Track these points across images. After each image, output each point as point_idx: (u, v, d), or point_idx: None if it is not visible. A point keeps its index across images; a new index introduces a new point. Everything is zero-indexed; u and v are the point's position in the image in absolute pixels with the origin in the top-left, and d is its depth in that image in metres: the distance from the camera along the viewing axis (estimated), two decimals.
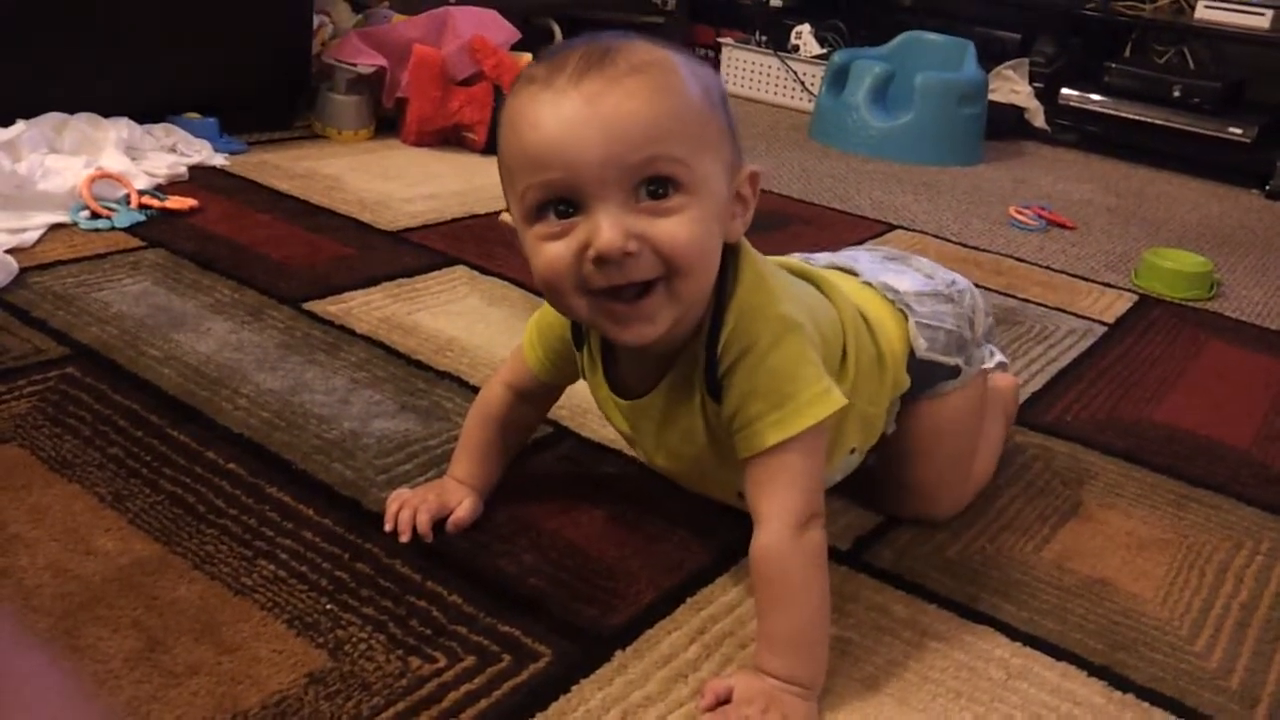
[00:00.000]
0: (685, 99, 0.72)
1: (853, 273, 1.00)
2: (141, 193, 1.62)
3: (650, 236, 0.71)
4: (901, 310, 0.96)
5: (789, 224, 1.91)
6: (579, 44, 0.73)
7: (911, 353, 0.94)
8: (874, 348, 0.91)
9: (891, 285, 0.97)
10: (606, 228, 0.70)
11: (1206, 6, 2.70)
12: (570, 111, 0.70)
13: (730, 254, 0.79)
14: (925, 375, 0.96)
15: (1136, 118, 2.71)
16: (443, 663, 0.78)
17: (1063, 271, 1.82)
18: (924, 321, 0.95)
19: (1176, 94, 2.66)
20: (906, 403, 0.96)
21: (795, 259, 0.98)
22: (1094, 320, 1.60)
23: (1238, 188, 2.59)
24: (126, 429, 1.04)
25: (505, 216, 0.79)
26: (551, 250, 0.73)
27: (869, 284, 0.98)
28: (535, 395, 0.97)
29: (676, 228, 0.71)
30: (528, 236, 0.75)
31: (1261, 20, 2.63)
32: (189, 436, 1.04)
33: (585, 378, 0.92)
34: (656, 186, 0.71)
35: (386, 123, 2.19)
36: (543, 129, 0.71)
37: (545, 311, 0.92)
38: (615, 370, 0.88)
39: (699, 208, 0.72)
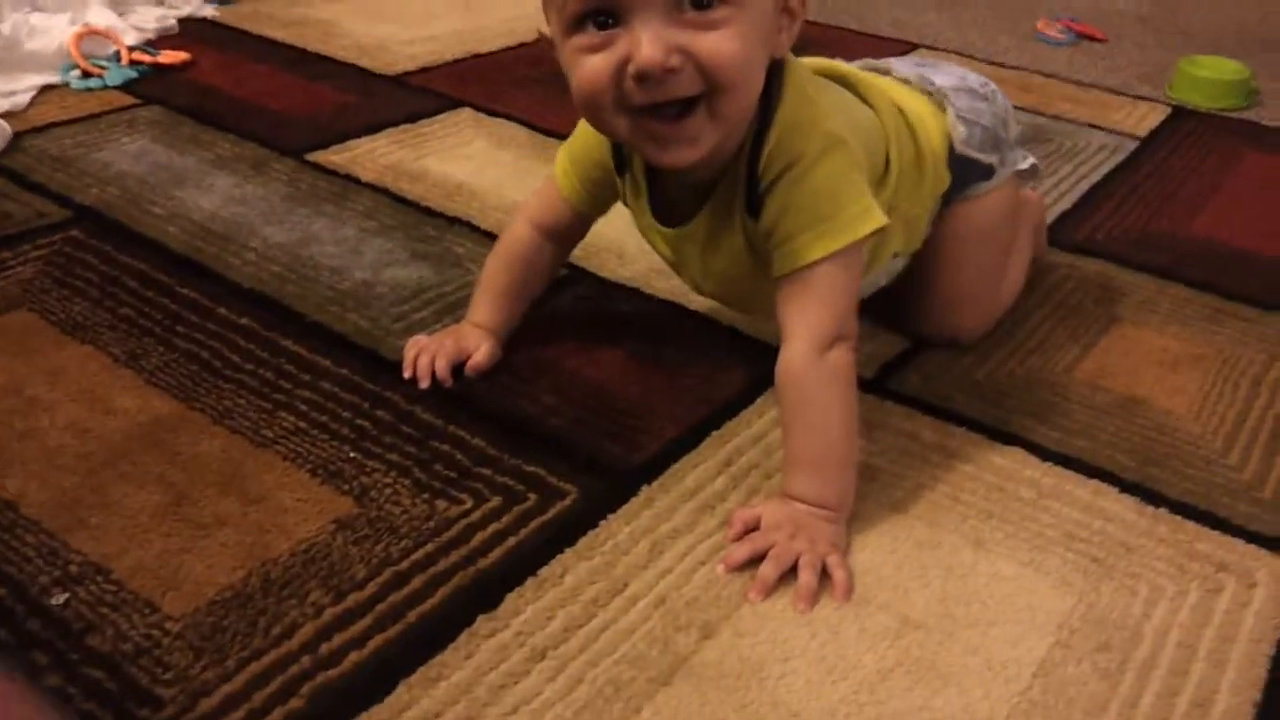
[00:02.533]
0: None
1: (887, 72, 0.96)
2: (132, 48, 1.57)
3: (694, 51, 0.67)
4: (939, 103, 0.92)
5: (807, 48, 1.82)
6: None
7: (950, 149, 0.91)
8: (914, 147, 0.88)
9: (929, 78, 0.94)
10: (648, 42, 0.66)
11: None
12: None
13: (775, 69, 0.75)
14: (962, 173, 0.93)
15: None
16: (469, 504, 0.78)
17: (1093, 85, 1.74)
18: (962, 115, 0.92)
19: None
20: (943, 205, 0.94)
21: (831, 61, 0.93)
22: (1125, 135, 1.54)
23: None
24: (136, 289, 1.02)
25: (542, 27, 0.75)
26: (590, 64, 0.69)
27: (906, 79, 0.94)
28: (564, 232, 0.94)
29: (721, 42, 0.67)
30: (565, 49, 0.71)
31: None
32: (199, 293, 1.02)
33: (627, 205, 0.88)
34: None
35: None
36: None
37: (579, 137, 0.88)
38: (659, 195, 0.84)
39: (745, 20, 0.68)
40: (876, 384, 0.94)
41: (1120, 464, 0.86)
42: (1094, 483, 0.84)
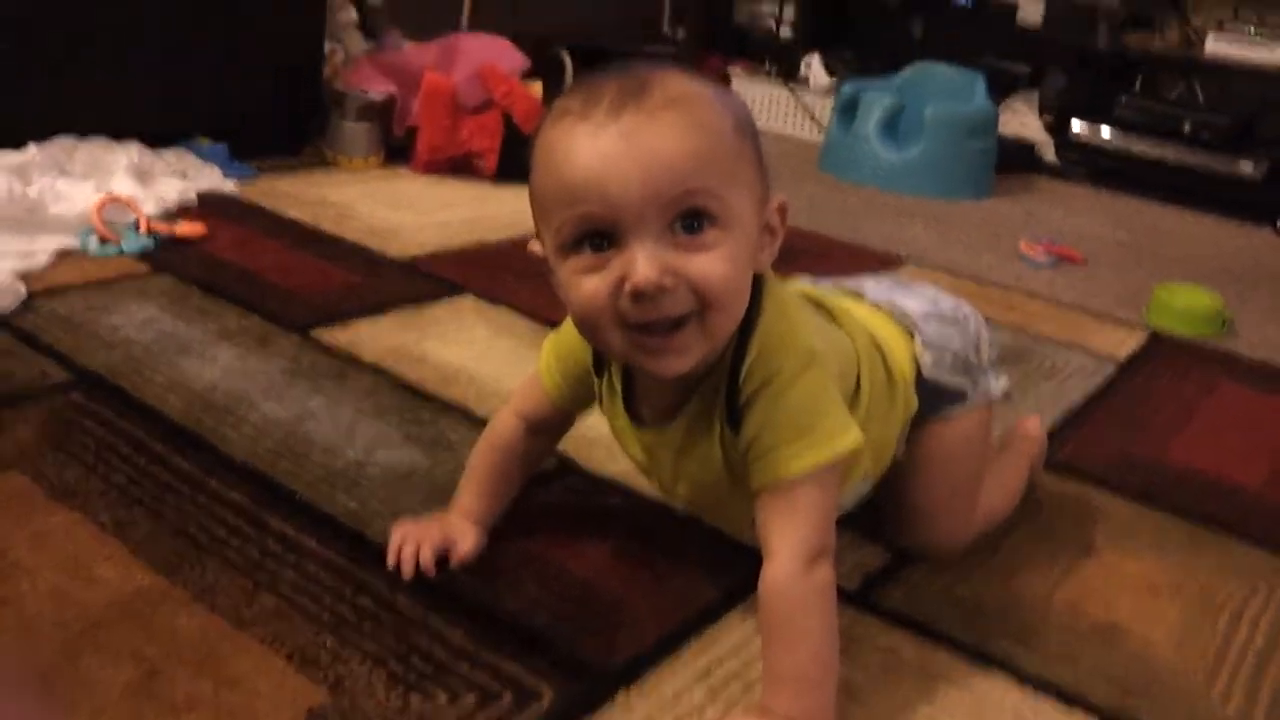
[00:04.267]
0: (719, 133, 0.72)
1: (859, 295, 1.00)
2: (151, 218, 1.62)
3: (685, 272, 0.71)
4: (909, 330, 0.96)
5: (798, 257, 1.90)
6: (613, 76, 0.73)
7: (919, 374, 0.94)
8: (884, 370, 0.91)
9: (899, 305, 0.98)
10: (643, 263, 0.70)
11: (1216, 40, 2.71)
12: (607, 146, 0.70)
13: (756, 284, 0.79)
14: (932, 397, 0.95)
15: (1146, 153, 2.71)
16: (443, 700, 0.77)
17: (1073, 307, 1.81)
18: (930, 342, 0.95)
19: (1186, 129, 2.66)
20: (913, 426, 0.96)
21: (803, 282, 0.97)
22: (1104, 357, 1.59)
23: (1249, 224, 2.58)
24: (130, 456, 1.03)
25: (534, 246, 0.79)
26: (588, 284, 0.73)
27: (876, 304, 0.98)
28: (548, 425, 0.96)
29: (711, 263, 0.71)
30: (562, 269, 0.75)
31: (1272, 55, 2.63)
32: (193, 464, 1.03)
33: (602, 406, 0.91)
34: (691, 220, 0.71)
35: (397, 150, 2.20)
36: (580, 163, 0.71)
37: (562, 336, 0.91)
38: (634, 399, 0.87)
39: (732, 242, 0.72)
40: (859, 596, 0.95)
41: (1101, 694, 0.86)
42: (1074, 712, 0.83)
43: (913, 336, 0.96)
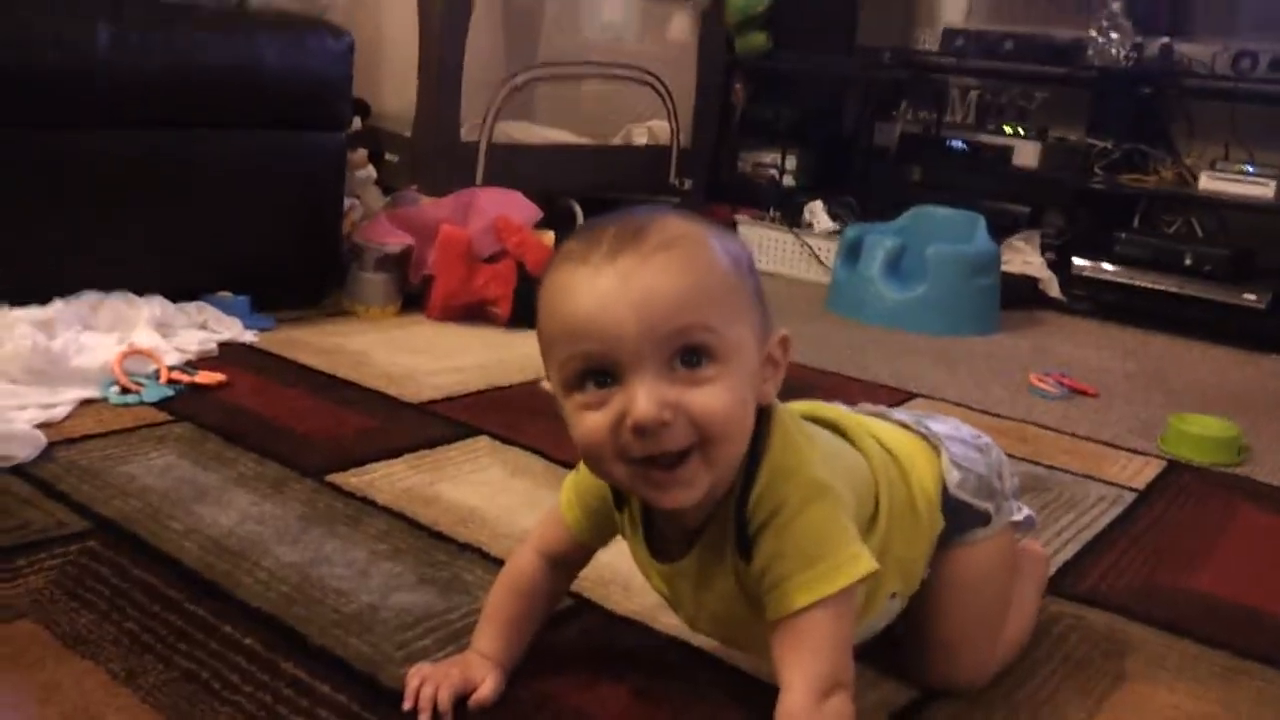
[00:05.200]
0: (715, 271, 0.75)
1: (883, 415, 1.01)
2: (171, 368, 1.65)
3: (685, 406, 0.73)
4: (934, 446, 0.96)
5: (810, 393, 1.90)
6: (613, 221, 0.77)
7: (945, 491, 0.94)
8: (906, 491, 0.91)
9: (925, 424, 0.98)
10: (642, 398, 0.72)
11: (1210, 177, 2.77)
12: (605, 287, 0.73)
13: (762, 416, 0.80)
14: (956, 519, 0.95)
15: (1150, 286, 2.75)
16: None
17: (1088, 438, 1.81)
18: (956, 460, 0.96)
19: (1187, 262, 2.70)
20: (937, 550, 0.95)
21: (824, 405, 0.98)
22: (1123, 487, 1.58)
23: (1257, 353, 2.59)
24: (143, 603, 1.03)
25: (545, 384, 0.81)
26: (591, 420, 0.75)
27: (903, 422, 0.99)
28: (568, 560, 0.96)
29: (710, 397, 0.73)
30: (567, 405, 0.77)
31: (1266, 190, 2.69)
32: (206, 610, 1.03)
33: (625, 538, 0.91)
34: (690, 356, 0.73)
35: (413, 298, 2.24)
36: (580, 304, 0.74)
37: (583, 472, 0.91)
38: (654, 532, 0.87)
39: (732, 376, 0.74)
40: None
41: None
42: None
43: (939, 454, 0.96)
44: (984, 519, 0.96)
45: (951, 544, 0.96)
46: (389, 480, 1.37)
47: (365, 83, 2.37)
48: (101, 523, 1.19)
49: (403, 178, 2.56)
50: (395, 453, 1.46)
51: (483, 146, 2.65)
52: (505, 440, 1.54)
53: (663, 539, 0.87)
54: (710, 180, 3.37)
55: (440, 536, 1.23)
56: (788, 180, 3.36)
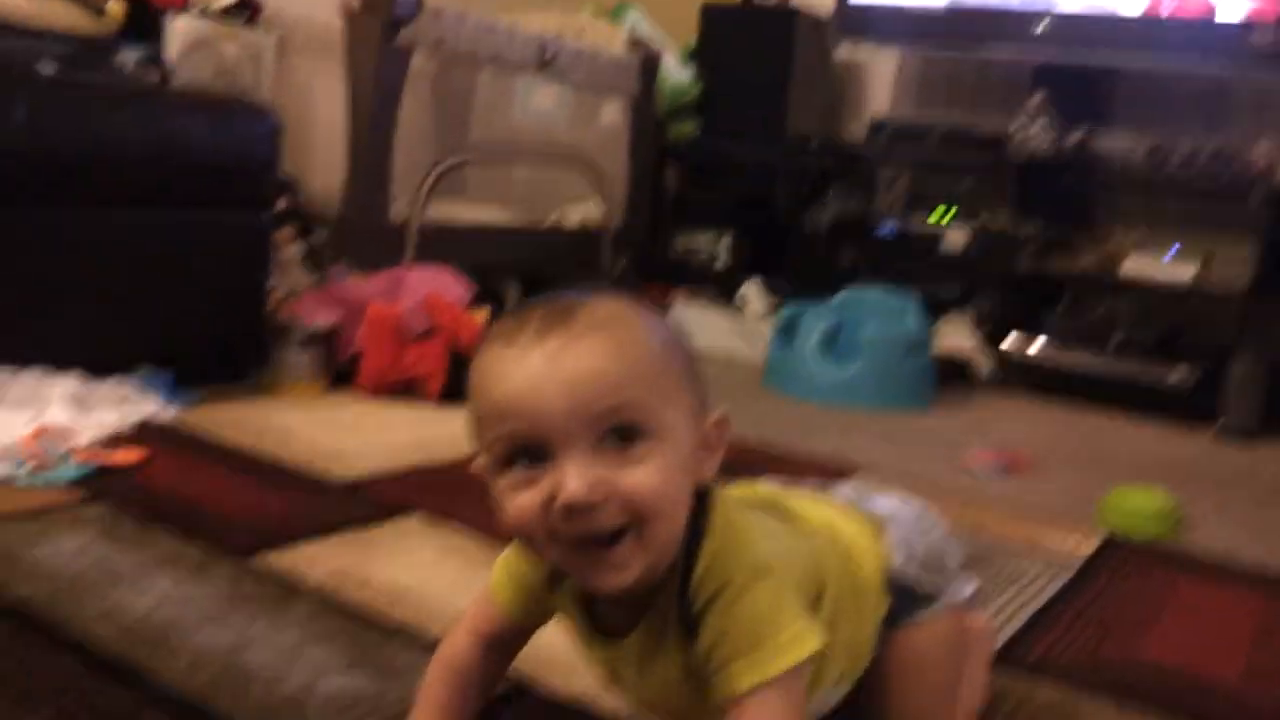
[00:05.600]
0: (644, 351, 0.75)
1: (824, 495, 0.99)
2: (86, 446, 1.58)
3: (616, 486, 0.71)
4: (876, 527, 0.94)
5: (752, 468, 1.89)
6: (541, 303, 0.76)
7: (889, 573, 0.92)
8: (851, 572, 0.89)
9: (867, 504, 0.97)
10: (572, 478, 0.71)
11: (1133, 262, 2.85)
12: (533, 367, 0.72)
13: (702, 497, 0.79)
14: (902, 599, 0.93)
15: (1079, 365, 2.80)
16: None
17: (1027, 514, 1.81)
18: (899, 540, 0.94)
19: (1115, 343, 2.76)
20: (884, 632, 0.93)
21: (766, 486, 0.96)
22: (1063, 560, 1.57)
23: (1189, 428, 2.64)
24: (57, 693, 0.96)
25: (476, 465, 0.79)
26: (521, 500, 0.73)
27: (846, 501, 0.96)
28: (502, 642, 0.92)
29: (642, 476, 0.72)
30: (498, 485, 0.75)
31: (1186, 274, 2.77)
32: (125, 698, 0.96)
33: (564, 617, 0.87)
34: (621, 434, 0.72)
35: (341, 375, 2.19)
36: (507, 385, 0.73)
37: (515, 552, 0.88)
38: (594, 610, 0.84)
39: (664, 454, 0.73)
40: None
41: None
42: None
43: (881, 535, 0.94)
44: (929, 599, 0.94)
45: (898, 625, 0.93)
46: (317, 560, 1.32)
47: (293, 159, 2.35)
48: (9, 609, 1.11)
49: (331, 256, 2.52)
50: (323, 532, 1.40)
51: (413, 226, 2.63)
52: (437, 520, 1.50)
53: (602, 619, 0.84)
54: (644, 261, 3.38)
55: (371, 619, 1.17)
56: (722, 262, 3.39)
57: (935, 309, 2.93)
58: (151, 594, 1.18)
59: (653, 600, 0.79)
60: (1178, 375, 2.67)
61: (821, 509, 0.95)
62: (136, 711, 0.94)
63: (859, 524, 0.95)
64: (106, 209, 1.91)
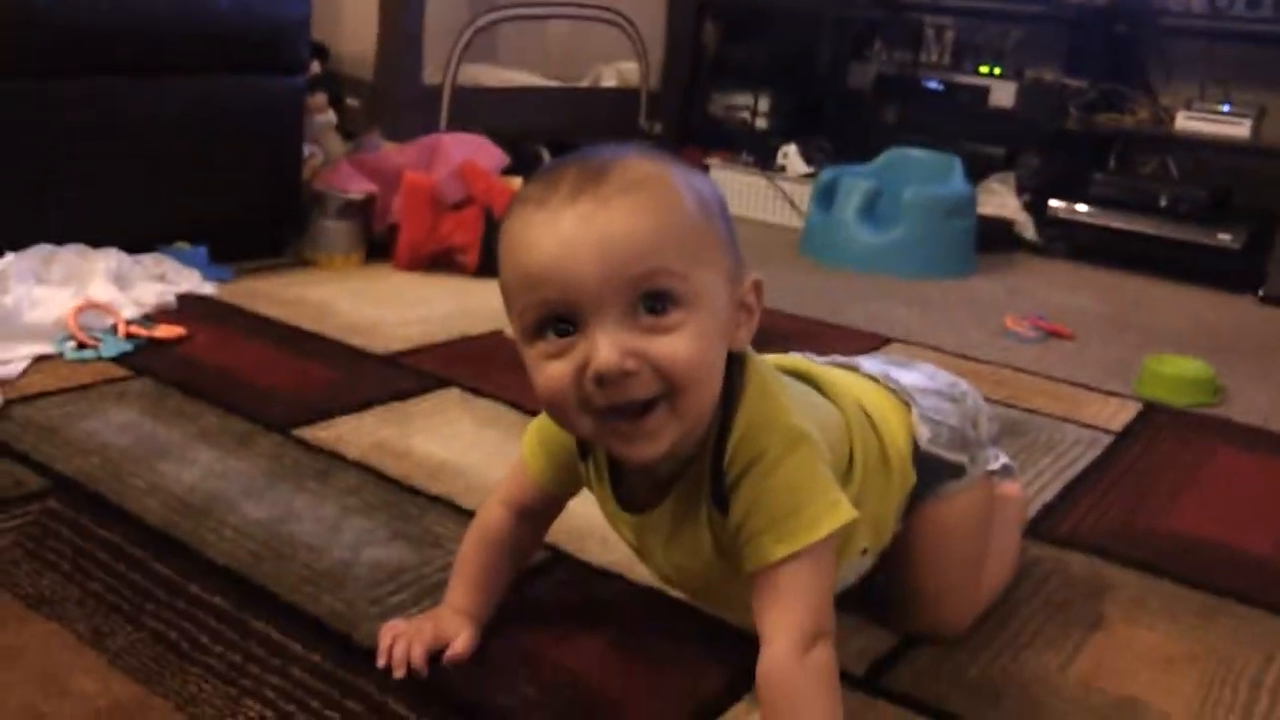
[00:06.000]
0: (680, 213, 0.72)
1: (854, 369, 0.98)
2: (129, 322, 1.61)
3: (649, 354, 0.70)
4: (905, 402, 0.94)
5: (784, 340, 1.89)
6: (574, 161, 0.73)
7: (915, 446, 0.92)
8: (878, 444, 0.89)
9: (894, 378, 0.96)
10: (604, 347, 0.69)
11: (1186, 117, 2.75)
12: (565, 232, 0.69)
13: (735, 363, 0.77)
14: (930, 473, 0.93)
15: (1125, 227, 2.73)
16: None
17: (1064, 381, 1.80)
18: (927, 415, 0.93)
19: (1163, 203, 2.69)
20: (912, 503, 0.93)
21: (796, 357, 0.96)
22: (1100, 429, 1.57)
23: (1232, 294, 2.59)
24: (107, 563, 1.00)
25: (507, 332, 0.78)
26: (552, 369, 0.72)
27: (872, 376, 0.96)
28: (536, 512, 0.94)
29: (676, 345, 0.70)
30: (528, 355, 0.74)
31: (1240, 129, 2.67)
32: (172, 569, 1.00)
33: (591, 489, 0.88)
34: (654, 302, 0.70)
35: (378, 248, 2.19)
36: (538, 250, 0.70)
37: (546, 420, 0.88)
38: (622, 483, 0.85)
39: (699, 322, 0.71)
40: (867, 681, 0.91)
41: None
42: None
43: (909, 409, 0.94)
44: (958, 471, 0.95)
45: (926, 498, 0.94)
46: (357, 434, 1.34)
47: (324, 25, 2.31)
48: (61, 482, 1.15)
49: (364, 123, 2.50)
50: (363, 406, 1.43)
51: (447, 90, 2.59)
52: (475, 391, 1.52)
53: (631, 489, 0.84)
54: (681, 123, 3.31)
55: (412, 490, 1.20)
56: (761, 123, 3.31)
57: (980, 170, 2.86)
58: (196, 467, 1.21)
59: (683, 470, 0.79)
60: (1226, 238, 2.60)
61: (850, 381, 0.94)
62: (184, 582, 0.98)
63: (886, 398, 0.94)
64: (137, 79, 1.90)
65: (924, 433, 0.93)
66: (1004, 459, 1.02)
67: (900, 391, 0.95)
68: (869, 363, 1.01)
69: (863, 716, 0.86)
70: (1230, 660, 0.99)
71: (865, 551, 0.90)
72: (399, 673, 0.86)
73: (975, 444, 0.97)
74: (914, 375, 0.99)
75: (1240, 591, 1.12)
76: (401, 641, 0.88)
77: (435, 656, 0.88)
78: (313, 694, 0.84)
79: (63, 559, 1.00)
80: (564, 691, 0.86)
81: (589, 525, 1.09)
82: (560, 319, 0.71)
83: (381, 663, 0.87)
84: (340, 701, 0.83)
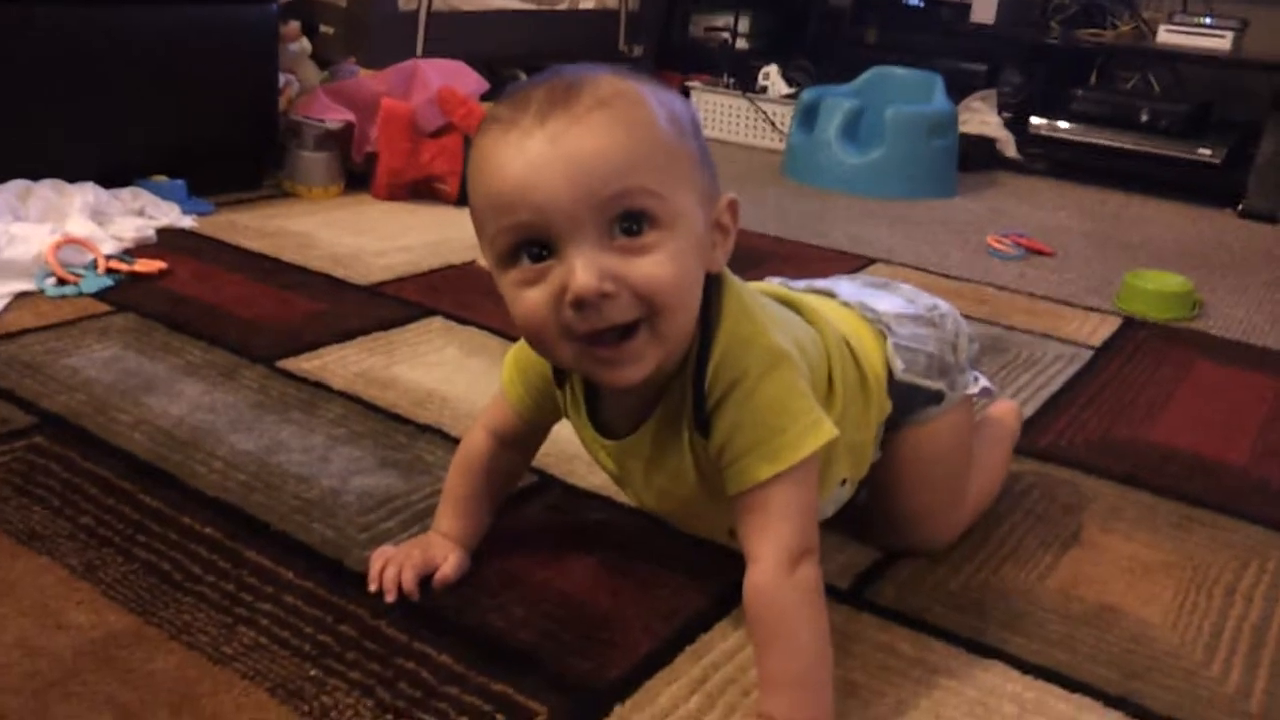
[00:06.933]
0: (653, 131, 0.70)
1: (831, 295, 0.98)
2: (109, 257, 1.59)
3: (627, 277, 0.68)
4: (880, 331, 0.94)
5: (766, 261, 1.89)
6: (542, 80, 0.71)
7: (891, 375, 0.92)
8: (857, 371, 0.89)
9: (870, 305, 0.95)
10: (581, 270, 0.67)
11: (1168, 30, 2.73)
12: (535, 152, 0.67)
13: (713, 284, 0.77)
14: (907, 399, 0.93)
15: (1106, 143, 2.73)
16: None
17: (1045, 297, 1.81)
18: (903, 344, 0.93)
19: (1144, 118, 2.68)
20: (891, 430, 0.94)
21: (774, 283, 0.96)
22: (1080, 345, 1.59)
23: (1211, 208, 2.60)
24: (97, 497, 1.01)
25: (480, 261, 0.77)
26: (529, 297, 0.70)
27: (848, 304, 0.96)
28: (519, 439, 0.94)
29: (653, 267, 0.69)
30: (503, 283, 0.73)
31: (1222, 42, 2.66)
32: (162, 502, 1.00)
33: (568, 417, 0.89)
34: (630, 223, 0.69)
35: (357, 178, 2.17)
36: (508, 171, 0.68)
37: (523, 348, 0.88)
38: (599, 409, 0.85)
39: (675, 242, 0.70)
40: (851, 595, 0.93)
41: (1102, 677, 0.84)
42: (1077, 696, 0.82)
43: (884, 338, 0.94)
44: (936, 398, 0.94)
45: (904, 425, 0.94)
46: (342, 364, 1.34)
47: None
48: (47, 418, 1.15)
49: (339, 50, 2.46)
50: (347, 336, 1.43)
51: (423, 14, 2.54)
52: (459, 320, 1.52)
53: (608, 416, 0.84)
54: (661, 45, 3.27)
55: (399, 419, 1.21)
56: (741, 44, 3.27)
57: (961, 88, 2.84)
58: (182, 401, 1.21)
59: (661, 395, 0.79)
60: (1206, 152, 2.60)
61: (827, 308, 0.93)
62: (175, 514, 0.99)
63: (863, 326, 0.94)
64: (105, 6, 1.86)
65: (898, 364, 0.92)
66: (984, 382, 1.01)
67: (876, 320, 0.94)
68: (847, 286, 1.00)
69: (848, 629, 0.88)
70: (1206, 568, 1.02)
71: (844, 482, 0.91)
72: (390, 597, 0.87)
73: (954, 369, 0.96)
74: (894, 300, 0.98)
75: (1216, 501, 1.14)
76: (392, 566, 0.89)
77: (425, 580, 0.89)
78: (306, 619, 0.85)
79: (52, 494, 1.01)
80: (553, 610, 0.88)
81: (576, 449, 1.09)
82: (533, 243, 0.69)
83: (373, 588, 0.88)
84: (334, 626, 0.84)
